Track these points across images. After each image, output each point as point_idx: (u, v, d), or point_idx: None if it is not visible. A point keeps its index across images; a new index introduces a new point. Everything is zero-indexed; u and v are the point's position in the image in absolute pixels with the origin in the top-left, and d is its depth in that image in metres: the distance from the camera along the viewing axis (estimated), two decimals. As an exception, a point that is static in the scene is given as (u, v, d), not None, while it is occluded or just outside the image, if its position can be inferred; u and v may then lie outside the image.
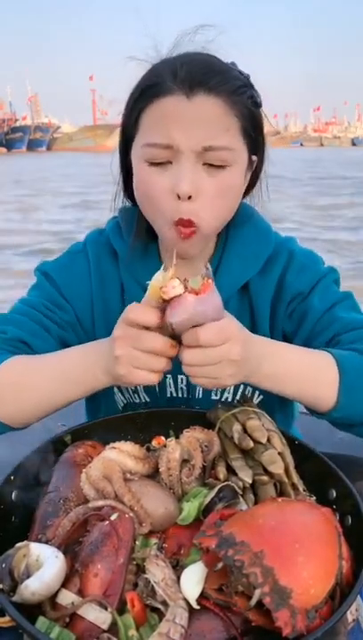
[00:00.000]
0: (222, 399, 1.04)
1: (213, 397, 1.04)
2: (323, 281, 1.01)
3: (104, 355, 0.80)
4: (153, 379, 0.75)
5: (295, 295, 1.01)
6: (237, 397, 1.04)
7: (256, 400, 1.04)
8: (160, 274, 0.69)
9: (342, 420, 0.87)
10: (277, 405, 1.06)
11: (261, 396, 1.04)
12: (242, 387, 1.03)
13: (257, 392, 1.04)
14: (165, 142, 0.84)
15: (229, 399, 1.04)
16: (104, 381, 0.83)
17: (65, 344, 0.99)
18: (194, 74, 0.84)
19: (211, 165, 0.86)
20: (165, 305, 0.70)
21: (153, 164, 0.87)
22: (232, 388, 1.04)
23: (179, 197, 0.85)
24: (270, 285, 1.02)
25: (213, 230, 0.93)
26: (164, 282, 0.68)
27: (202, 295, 0.68)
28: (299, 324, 1.00)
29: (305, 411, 0.93)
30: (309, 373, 0.84)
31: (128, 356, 0.74)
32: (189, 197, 0.85)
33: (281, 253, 1.03)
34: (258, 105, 0.92)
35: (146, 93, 0.87)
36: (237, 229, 1.02)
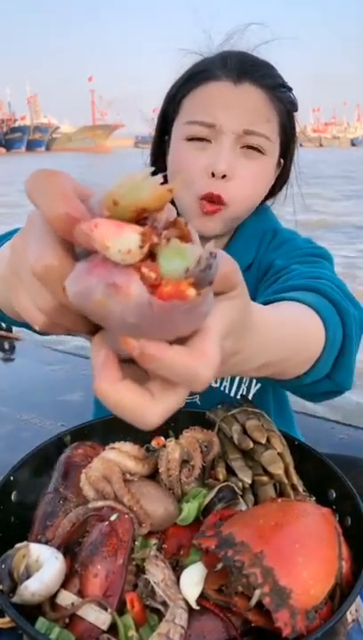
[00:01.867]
0: (222, 388, 1.05)
1: (212, 385, 1.04)
2: (297, 252, 0.94)
3: None
4: (32, 315, 0.35)
5: (267, 267, 0.96)
6: (236, 383, 1.04)
7: (254, 388, 1.05)
8: (137, 178, 0.29)
9: (309, 381, 0.71)
10: (271, 399, 1.06)
11: (258, 385, 1.04)
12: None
13: (254, 381, 1.04)
14: (208, 121, 0.87)
15: (227, 387, 1.04)
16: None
17: None
18: (243, 64, 0.88)
19: (249, 149, 0.88)
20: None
21: (192, 140, 0.89)
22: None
23: (213, 175, 0.86)
24: (254, 270, 1.01)
25: (242, 211, 0.94)
26: (119, 195, 0.29)
27: (160, 303, 0.27)
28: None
29: (303, 410, 0.93)
30: (300, 346, 0.65)
31: (20, 251, 0.35)
32: (224, 177, 0.86)
33: (267, 236, 1.02)
34: (295, 107, 0.94)
35: (193, 78, 0.90)
36: (248, 220, 1.02)
